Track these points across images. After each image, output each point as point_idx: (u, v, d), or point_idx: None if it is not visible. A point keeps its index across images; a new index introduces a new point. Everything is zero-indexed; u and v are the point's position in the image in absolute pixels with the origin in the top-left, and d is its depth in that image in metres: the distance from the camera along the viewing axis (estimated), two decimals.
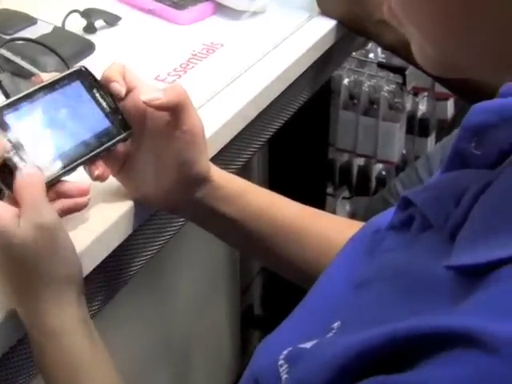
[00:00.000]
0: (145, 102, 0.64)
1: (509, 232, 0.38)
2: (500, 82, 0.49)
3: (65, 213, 0.62)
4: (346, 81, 1.78)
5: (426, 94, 1.96)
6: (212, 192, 0.68)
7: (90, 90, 0.66)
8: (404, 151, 1.92)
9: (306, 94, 1.08)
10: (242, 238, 0.72)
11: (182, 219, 0.81)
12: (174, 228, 0.81)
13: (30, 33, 0.88)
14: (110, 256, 0.69)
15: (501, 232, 0.38)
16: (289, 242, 0.70)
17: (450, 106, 2.12)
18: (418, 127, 1.99)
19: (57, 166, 0.62)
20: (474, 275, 0.38)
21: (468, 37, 0.40)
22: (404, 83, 1.72)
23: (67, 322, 0.59)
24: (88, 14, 0.97)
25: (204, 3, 1.04)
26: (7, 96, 0.72)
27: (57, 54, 0.79)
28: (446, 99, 2.09)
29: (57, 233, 0.58)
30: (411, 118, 1.94)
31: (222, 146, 0.84)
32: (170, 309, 1.29)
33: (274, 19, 1.04)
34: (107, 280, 0.73)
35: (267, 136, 0.99)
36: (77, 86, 0.65)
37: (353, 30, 1.05)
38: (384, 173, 1.92)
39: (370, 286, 0.46)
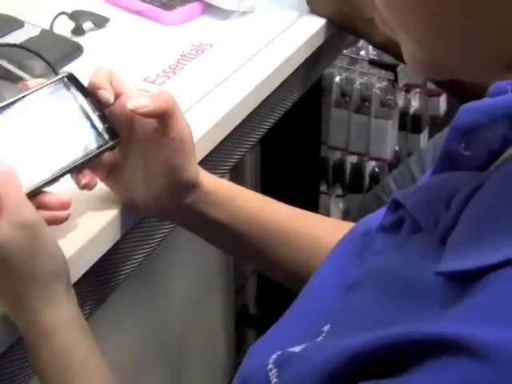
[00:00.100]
0: (132, 110, 0.63)
1: (498, 236, 0.38)
2: (490, 82, 0.49)
3: None
4: (337, 78, 1.78)
5: (418, 90, 1.96)
6: (202, 197, 0.68)
7: (76, 97, 0.65)
8: (397, 148, 1.92)
9: (297, 93, 1.08)
10: (233, 242, 0.71)
11: None
12: (164, 231, 0.81)
13: (18, 36, 0.87)
14: (100, 260, 0.69)
15: (491, 236, 0.38)
16: (279, 244, 0.70)
17: (442, 102, 2.12)
18: (410, 124, 1.98)
19: (40, 176, 0.61)
20: (463, 281, 0.37)
21: (457, 37, 0.40)
22: (396, 80, 1.72)
23: (59, 320, 0.59)
24: (76, 16, 0.96)
25: (192, 3, 1.03)
26: None
27: (42, 58, 0.78)
28: (439, 95, 2.09)
29: (39, 230, 0.57)
30: (403, 114, 1.94)
31: (213, 146, 0.84)
32: (164, 309, 1.28)
33: (263, 18, 1.04)
34: (98, 284, 0.72)
35: (258, 136, 0.99)
36: (63, 94, 0.65)
37: (343, 29, 1.05)
38: (377, 170, 1.92)
39: (360, 288, 0.46)
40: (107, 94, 0.64)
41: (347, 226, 0.66)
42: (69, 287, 0.60)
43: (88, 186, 0.65)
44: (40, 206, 0.60)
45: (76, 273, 0.64)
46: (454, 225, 0.41)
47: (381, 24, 0.43)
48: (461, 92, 0.89)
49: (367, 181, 1.93)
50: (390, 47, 0.98)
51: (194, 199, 0.68)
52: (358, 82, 1.77)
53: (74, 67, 0.85)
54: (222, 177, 0.90)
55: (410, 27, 0.41)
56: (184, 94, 0.84)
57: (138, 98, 0.63)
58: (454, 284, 0.38)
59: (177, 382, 1.38)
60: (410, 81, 1.88)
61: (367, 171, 1.93)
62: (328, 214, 1.91)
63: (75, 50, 0.88)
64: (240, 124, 0.89)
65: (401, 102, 1.90)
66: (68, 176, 0.64)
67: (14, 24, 0.90)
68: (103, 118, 0.65)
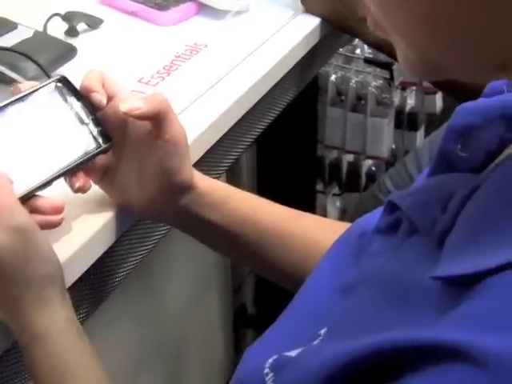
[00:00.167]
0: (124, 113, 0.63)
1: (495, 238, 0.37)
2: (485, 82, 0.48)
3: None
4: (333, 77, 1.78)
5: (414, 88, 1.96)
6: (196, 199, 0.68)
7: (69, 100, 0.64)
8: (393, 146, 1.92)
9: (292, 93, 1.08)
10: (228, 243, 0.71)
11: None
12: (160, 232, 0.81)
13: (11, 38, 0.87)
14: (96, 263, 0.68)
15: (488, 238, 0.38)
16: (274, 245, 0.70)
17: (438, 100, 2.12)
18: (406, 122, 1.99)
19: (33, 180, 0.60)
20: (461, 285, 0.37)
21: (454, 37, 0.39)
22: (391, 78, 1.72)
23: (52, 323, 0.58)
24: (69, 18, 0.96)
25: (187, 4, 1.03)
26: None
27: (33, 60, 0.78)
28: (435, 93, 2.09)
29: (32, 234, 0.57)
30: (400, 112, 1.94)
31: (209, 147, 0.84)
32: (162, 310, 1.28)
33: (257, 18, 1.03)
34: (94, 287, 0.72)
35: (254, 136, 0.99)
36: (55, 97, 0.64)
37: (338, 28, 1.05)
38: (374, 168, 1.92)
39: (357, 291, 0.46)
40: (100, 97, 0.64)
41: (342, 226, 0.66)
42: (63, 290, 0.60)
43: (82, 189, 0.64)
44: (33, 210, 0.60)
45: (72, 276, 0.64)
46: (451, 227, 0.41)
47: (372, 25, 0.43)
48: (457, 91, 0.89)
49: (364, 179, 1.93)
50: (384, 46, 0.98)
51: (188, 201, 0.67)
52: (353, 81, 1.77)
53: (67, 69, 0.85)
54: (218, 177, 0.90)
55: (403, 27, 0.41)
56: (179, 95, 0.84)
57: (130, 101, 0.63)
58: (452, 288, 0.38)
59: (175, 381, 1.38)
60: (405, 79, 1.88)
61: (364, 170, 1.93)
62: (325, 213, 1.91)
63: (69, 52, 0.88)
64: (235, 124, 0.89)
65: (397, 100, 1.90)
66: (62, 179, 0.63)
67: (7, 26, 0.89)
68: (96, 120, 0.65)
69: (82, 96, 0.65)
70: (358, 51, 1.81)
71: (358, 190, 1.92)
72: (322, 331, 0.44)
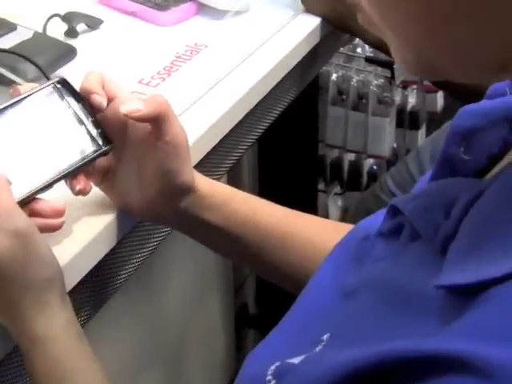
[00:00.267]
0: (125, 115, 0.62)
1: (499, 246, 0.37)
2: (483, 82, 0.48)
3: None
4: (334, 76, 1.77)
5: (415, 86, 1.96)
6: (197, 201, 0.67)
7: (68, 102, 0.64)
8: (395, 145, 1.92)
9: (293, 92, 1.07)
10: (229, 245, 0.71)
11: None
12: (162, 234, 0.81)
13: (10, 39, 0.86)
14: (97, 266, 0.68)
15: (491, 246, 0.37)
16: (273, 247, 0.70)
17: (439, 98, 2.12)
18: (408, 120, 1.98)
19: (32, 183, 0.60)
20: (464, 294, 0.37)
21: (453, 37, 0.39)
22: (392, 77, 1.71)
23: (51, 327, 0.58)
24: (69, 18, 0.95)
25: (187, 4, 1.03)
26: None
27: (32, 62, 0.77)
28: (436, 91, 2.09)
29: (31, 238, 0.56)
30: (401, 111, 1.94)
31: (210, 147, 0.83)
32: (164, 310, 1.28)
33: (258, 18, 1.03)
34: (95, 290, 0.72)
35: (255, 137, 0.98)
36: (55, 99, 0.64)
37: (338, 28, 1.05)
38: (375, 167, 1.92)
39: (359, 296, 0.45)
40: (100, 99, 0.63)
41: (343, 227, 0.65)
42: (63, 294, 0.60)
43: (83, 192, 0.64)
44: (33, 214, 0.60)
45: (73, 279, 0.64)
46: (454, 234, 0.41)
47: (366, 24, 0.43)
48: (457, 91, 0.89)
49: (365, 178, 1.93)
50: (384, 45, 0.97)
51: (189, 203, 0.67)
52: (354, 80, 1.77)
53: (67, 70, 0.84)
54: (220, 178, 0.90)
55: (400, 28, 0.40)
56: (179, 96, 0.84)
57: (131, 102, 0.63)
58: (455, 296, 0.37)
59: (177, 381, 1.38)
60: (406, 77, 1.87)
61: (365, 169, 1.93)
62: (326, 213, 1.91)
63: (69, 53, 0.87)
64: (237, 125, 0.89)
65: (398, 99, 1.90)
66: (62, 182, 0.63)
67: (6, 27, 0.89)
68: (96, 122, 0.64)
69: (82, 98, 0.64)
70: (358, 50, 1.80)
71: (359, 189, 1.92)
72: (325, 337, 0.44)
